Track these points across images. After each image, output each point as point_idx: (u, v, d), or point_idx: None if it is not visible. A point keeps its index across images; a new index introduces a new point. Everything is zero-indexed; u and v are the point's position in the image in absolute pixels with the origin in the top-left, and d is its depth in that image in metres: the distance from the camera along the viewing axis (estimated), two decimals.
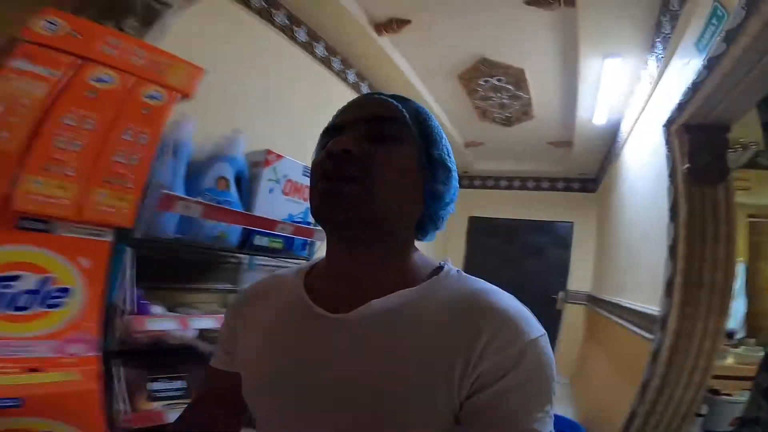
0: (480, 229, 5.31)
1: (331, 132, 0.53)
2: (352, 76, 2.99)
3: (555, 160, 4.55)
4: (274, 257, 1.87)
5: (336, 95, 2.76)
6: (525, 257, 5.01)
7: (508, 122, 3.72)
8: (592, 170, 4.53)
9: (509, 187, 5.29)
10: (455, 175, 0.56)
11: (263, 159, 1.68)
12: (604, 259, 3.94)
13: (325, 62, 2.72)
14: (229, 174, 1.57)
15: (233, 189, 1.58)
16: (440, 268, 0.53)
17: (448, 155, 0.55)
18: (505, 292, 0.49)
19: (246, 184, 1.69)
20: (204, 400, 0.64)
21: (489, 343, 0.43)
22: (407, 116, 0.52)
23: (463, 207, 5.31)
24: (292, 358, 0.51)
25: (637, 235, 2.66)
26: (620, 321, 2.65)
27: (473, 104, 3.51)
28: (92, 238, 1.15)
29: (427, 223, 0.55)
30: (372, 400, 0.44)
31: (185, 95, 1.33)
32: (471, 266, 5.21)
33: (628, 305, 2.52)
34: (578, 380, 3.87)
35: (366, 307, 0.48)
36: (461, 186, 5.11)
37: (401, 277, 0.51)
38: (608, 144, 3.61)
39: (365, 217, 0.48)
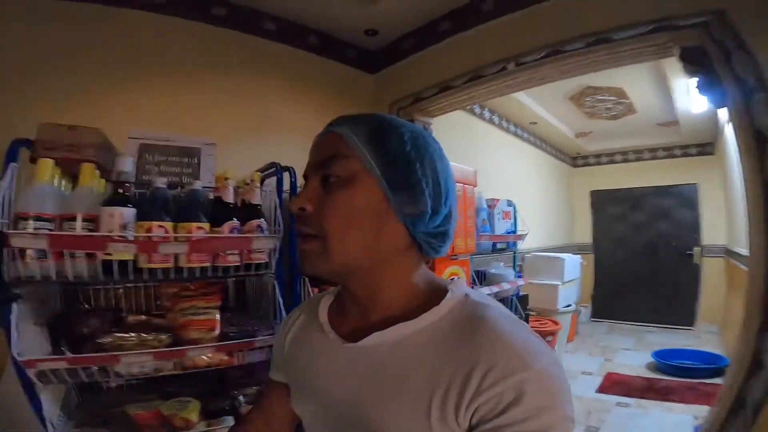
0: (603, 200, 5.93)
1: (305, 178, 0.54)
2: (487, 114, 4.06)
3: (666, 134, 5.01)
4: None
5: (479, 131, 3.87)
6: (654, 220, 5.51)
7: (613, 118, 4.43)
8: (707, 137, 4.89)
9: (625, 161, 5.80)
10: (437, 183, 0.52)
11: (492, 203, 2.88)
12: (733, 213, 4.37)
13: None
14: (485, 213, 2.77)
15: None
16: (445, 291, 0.52)
17: (416, 172, 0.50)
18: (509, 319, 0.48)
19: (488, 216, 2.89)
20: (262, 407, 0.70)
21: (486, 375, 0.42)
22: (356, 146, 0.50)
23: (583, 183, 6.04)
24: (314, 380, 0.56)
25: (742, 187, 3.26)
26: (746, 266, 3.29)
27: (582, 112, 4.32)
28: None
29: (422, 244, 0.54)
30: (364, 427, 0.48)
31: None
32: (599, 235, 5.91)
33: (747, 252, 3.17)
34: (728, 326, 4.40)
35: (369, 338, 0.51)
36: (576, 166, 5.72)
37: (402, 307, 0.52)
38: (716, 112, 4.07)
39: (331, 270, 0.50)
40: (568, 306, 4.13)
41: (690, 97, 3.50)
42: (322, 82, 2.20)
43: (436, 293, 0.52)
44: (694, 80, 1.50)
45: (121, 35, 1.60)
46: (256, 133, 1.93)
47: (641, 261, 5.46)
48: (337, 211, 0.49)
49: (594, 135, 5.28)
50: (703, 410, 2.59)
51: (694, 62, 1.50)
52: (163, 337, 1.13)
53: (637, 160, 5.72)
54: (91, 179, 1.03)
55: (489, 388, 0.41)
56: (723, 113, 3.78)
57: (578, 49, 1.54)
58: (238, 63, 1.90)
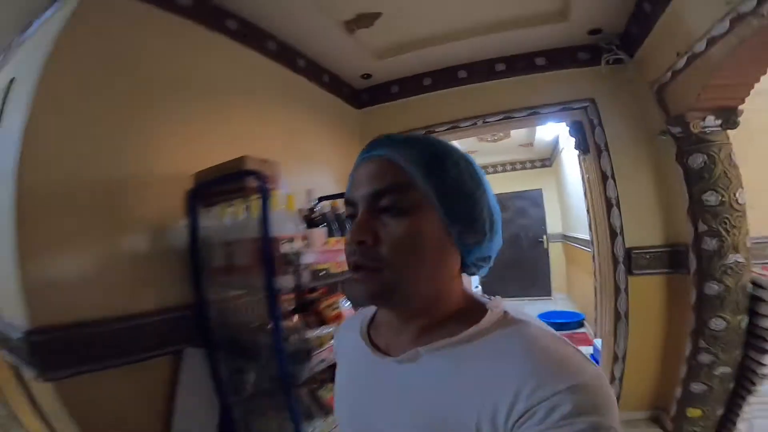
0: None
1: (349, 204, 0.53)
2: None
3: (524, 153, 6.78)
4: None
5: None
6: (516, 218, 7.29)
7: (494, 141, 5.87)
8: (548, 154, 6.81)
9: (495, 172, 7.52)
10: (490, 211, 0.52)
11: None
12: (565, 209, 6.27)
13: None
14: None
15: None
16: (484, 308, 0.52)
17: (476, 203, 0.51)
18: (550, 335, 0.47)
19: None
20: None
21: (534, 392, 0.41)
22: (416, 175, 0.49)
23: None
24: (357, 399, 0.57)
25: (571, 191, 4.94)
26: (577, 245, 4.97)
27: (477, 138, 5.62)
28: None
29: (471, 266, 0.54)
30: None
31: None
32: None
33: (577, 236, 4.82)
34: (572, 292, 6.25)
35: (411, 354, 0.51)
36: None
37: (445, 323, 0.52)
38: (557, 138, 5.83)
39: (396, 300, 0.50)
40: None
41: (543, 128, 5.04)
42: (329, 113, 2.69)
43: (475, 310, 0.52)
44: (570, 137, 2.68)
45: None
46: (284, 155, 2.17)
47: (510, 250, 7.16)
48: (402, 244, 0.48)
49: (479, 153, 6.77)
50: (586, 350, 3.94)
51: (576, 128, 2.65)
52: None
53: (503, 171, 7.47)
54: (291, 205, 1.52)
55: (538, 403, 0.40)
56: (562, 140, 5.48)
57: (521, 116, 2.57)
58: (275, 92, 2.22)
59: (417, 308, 0.52)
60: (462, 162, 0.51)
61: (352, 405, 0.58)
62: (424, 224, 0.49)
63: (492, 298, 0.55)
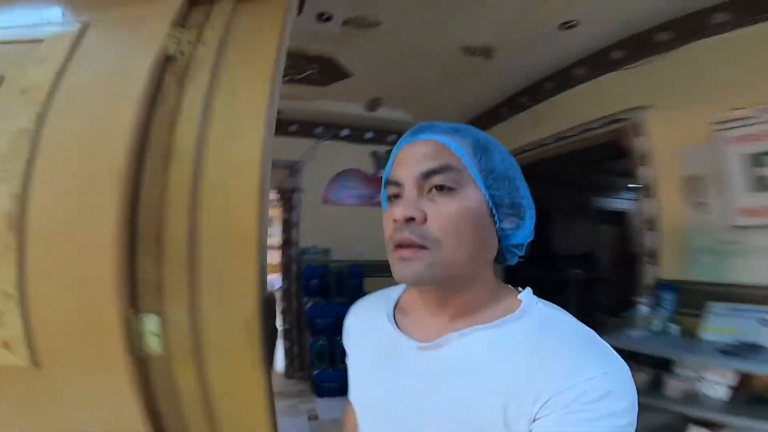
0: None
1: (391, 184, 0.53)
2: None
3: None
4: None
5: None
6: None
7: None
8: None
9: None
10: (527, 202, 0.54)
11: None
12: None
13: None
14: None
15: None
16: (516, 298, 0.53)
17: (518, 189, 0.53)
18: (580, 326, 0.49)
19: None
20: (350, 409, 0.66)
21: (551, 379, 0.43)
22: (463, 157, 0.50)
23: None
24: (382, 384, 0.56)
25: None
26: None
27: None
28: None
29: (506, 254, 0.56)
30: (446, 426, 0.48)
31: None
32: None
33: None
34: None
35: (444, 340, 0.51)
36: None
37: (480, 310, 0.52)
38: None
39: (435, 280, 0.50)
40: None
41: None
42: None
43: (508, 297, 0.53)
44: None
45: None
46: None
47: None
48: (450, 222, 0.48)
49: None
50: None
51: None
52: None
53: None
54: None
55: (567, 389, 0.41)
56: None
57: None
58: None
59: (456, 290, 0.53)
60: (503, 150, 0.54)
61: (376, 389, 0.57)
62: (473, 204, 0.50)
63: (521, 288, 0.56)
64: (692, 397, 1.64)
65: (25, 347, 0.67)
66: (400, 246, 0.49)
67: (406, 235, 0.49)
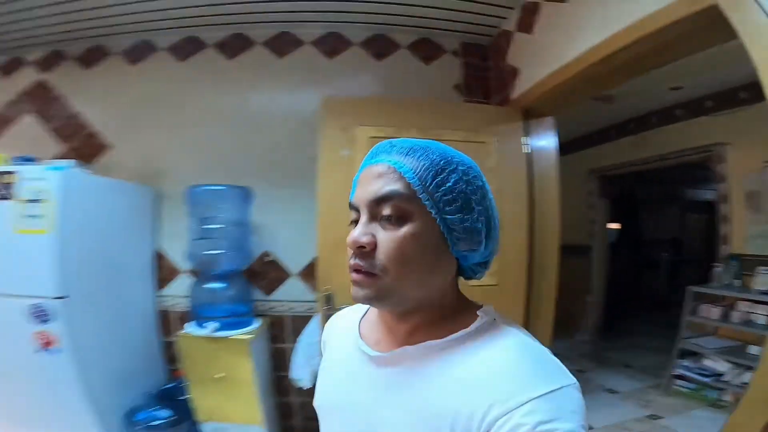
0: None
1: (352, 208, 0.53)
2: None
3: None
4: None
5: None
6: None
7: None
8: None
9: None
10: (489, 220, 0.52)
11: None
12: None
13: None
14: None
15: None
16: (475, 316, 0.52)
17: (473, 212, 0.50)
18: (531, 343, 0.49)
19: None
20: None
21: (499, 399, 0.42)
22: (413, 181, 0.49)
23: None
24: (340, 392, 0.58)
25: None
26: None
27: None
28: None
29: (468, 271, 0.55)
30: None
31: None
32: None
33: None
34: None
35: (397, 353, 0.53)
36: None
37: (436, 327, 0.52)
38: None
39: (383, 305, 0.52)
40: None
41: None
42: None
43: (467, 314, 0.53)
44: None
45: None
46: None
47: None
48: (397, 251, 0.48)
49: None
50: None
51: None
52: None
53: None
54: None
55: (514, 409, 0.41)
56: None
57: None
58: None
59: (410, 309, 0.53)
60: (462, 170, 0.51)
61: (336, 396, 0.59)
62: (422, 233, 0.49)
63: (485, 304, 0.56)
64: (747, 323, 2.82)
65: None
66: (354, 270, 0.51)
67: (358, 262, 0.50)
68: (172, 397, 2.00)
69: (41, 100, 2.33)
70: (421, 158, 0.50)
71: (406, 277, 0.49)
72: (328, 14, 2.19)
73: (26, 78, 2.36)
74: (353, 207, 0.53)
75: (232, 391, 1.88)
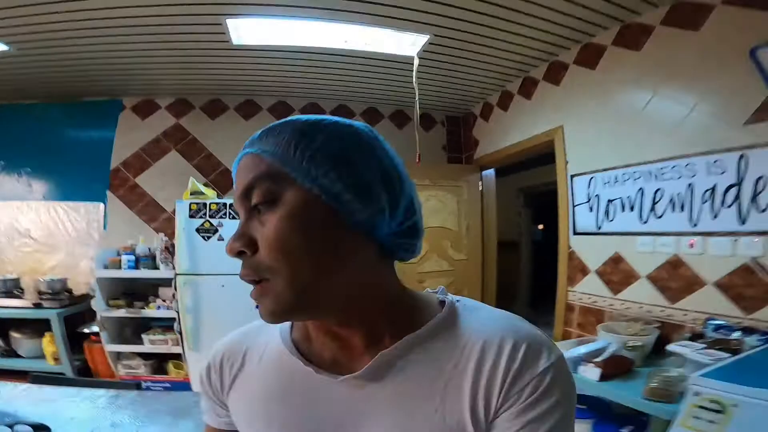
0: None
1: (236, 215, 0.47)
2: None
3: None
4: None
5: None
6: None
7: None
8: None
9: None
10: (385, 175, 0.43)
11: None
12: None
13: None
14: None
15: None
16: (437, 299, 0.49)
17: (356, 167, 0.41)
18: (514, 316, 0.47)
19: None
20: None
21: (510, 372, 0.41)
22: (277, 158, 0.41)
23: None
24: (290, 425, 0.47)
25: None
26: None
27: None
28: None
29: (396, 249, 0.46)
30: None
31: None
32: None
33: None
34: None
35: (376, 363, 0.44)
36: None
37: (398, 321, 0.46)
38: None
39: (294, 312, 0.43)
40: None
41: None
42: None
43: (424, 302, 0.49)
44: None
45: None
46: None
47: None
48: (276, 242, 0.40)
49: None
50: None
51: None
52: None
53: None
54: None
55: (528, 382, 0.40)
56: None
57: None
58: None
59: (344, 312, 0.44)
60: (331, 126, 0.43)
61: None
62: (298, 209, 0.40)
63: (435, 290, 0.51)
64: None
65: None
66: (247, 281, 0.43)
67: (243, 270, 0.42)
68: None
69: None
70: (281, 133, 0.43)
71: (298, 269, 0.40)
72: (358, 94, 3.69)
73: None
74: (237, 214, 0.45)
75: None
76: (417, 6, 2.13)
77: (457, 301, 0.49)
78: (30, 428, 1.01)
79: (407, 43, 2.55)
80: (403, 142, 3.85)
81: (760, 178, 1.63)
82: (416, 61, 2.47)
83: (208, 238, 2.82)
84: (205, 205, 2.83)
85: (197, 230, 2.80)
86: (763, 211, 1.63)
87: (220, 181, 3.54)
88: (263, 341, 0.53)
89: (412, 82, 2.50)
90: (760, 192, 1.64)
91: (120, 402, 1.36)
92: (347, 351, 0.47)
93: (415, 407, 0.42)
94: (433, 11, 2.18)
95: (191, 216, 2.80)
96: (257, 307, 0.43)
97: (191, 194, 2.85)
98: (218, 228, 2.84)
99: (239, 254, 0.42)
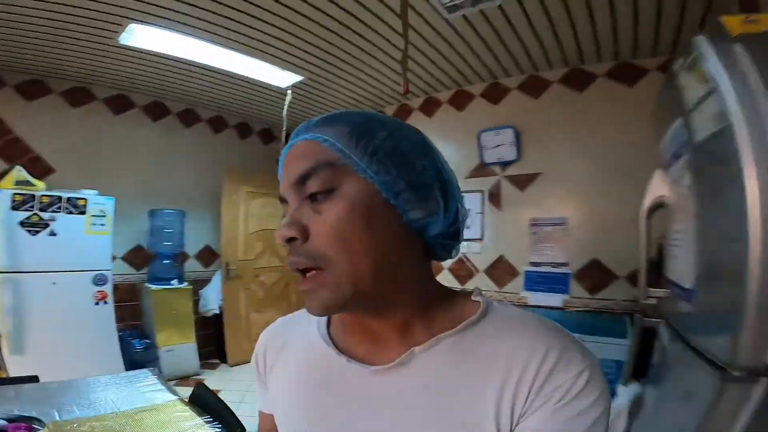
0: None
1: (282, 200, 0.46)
2: None
3: None
4: None
5: None
6: None
7: None
8: None
9: None
10: (440, 177, 0.45)
11: None
12: None
13: None
14: None
15: None
16: (472, 301, 0.48)
17: (416, 167, 0.43)
18: (548, 321, 0.45)
19: None
20: None
21: (542, 370, 0.40)
22: (340, 148, 0.42)
23: None
24: (321, 418, 0.47)
25: None
26: None
27: None
28: None
29: (438, 249, 0.47)
30: None
31: None
32: None
33: None
34: None
35: (406, 357, 0.44)
36: None
37: (433, 318, 0.46)
38: None
39: (344, 303, 0.42)
40: None
41: None
42: None
43: (462, 300, 0.48)
44: None
45: None
46: None
47: None
48: (336, 232, 0.40)
49: None
50: None
51: None
52: None
53: None
54: None
55: (563, 381, 0.40)
56: None
57: None
58: None
59: (388, 302, 0.44)
60: (392, 127, 0.45)
61: (313, 424, 0.48)
62: (358, 199, 0.41)
63: (468, 288, 0.50)
64: None
65: None
66: (296, 270, 0.43)
67: (293, 258, 0.42)
68: None
69: None
70: (342, 124, 0.43)
71: (357, 259, 0.41)
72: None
73: None
74: (282, 200, 0.46)
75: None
76: (293, 49, 2.54)
77: (492, 303, 0.48)
78: (6, 422, 1.00)
79: (281, 78, 2.94)
80: (269, 157, 4.35)
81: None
82: (289, 97, 2.87)
83: (37, 232, 2.54)
84: (33, 197, 2.51)
85: (21, 224, 2.49)
86: None
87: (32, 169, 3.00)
88: (303, 330, 0.54)
89: (282, 113, 2.90)
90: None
91: None
92: (381, 344, 0.47)
93: (438, 404, 0.42)
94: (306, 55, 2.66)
95: (14, 208, 2.46)
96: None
97: (16, 183, 2.47)
98: (49, 222, 2.59)
99: (290, 241, 0.42)
